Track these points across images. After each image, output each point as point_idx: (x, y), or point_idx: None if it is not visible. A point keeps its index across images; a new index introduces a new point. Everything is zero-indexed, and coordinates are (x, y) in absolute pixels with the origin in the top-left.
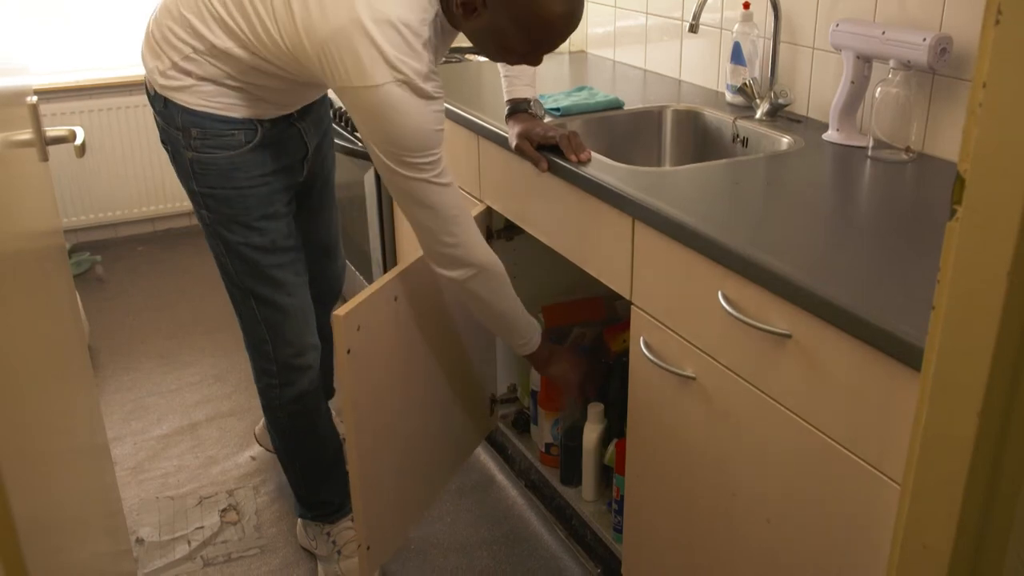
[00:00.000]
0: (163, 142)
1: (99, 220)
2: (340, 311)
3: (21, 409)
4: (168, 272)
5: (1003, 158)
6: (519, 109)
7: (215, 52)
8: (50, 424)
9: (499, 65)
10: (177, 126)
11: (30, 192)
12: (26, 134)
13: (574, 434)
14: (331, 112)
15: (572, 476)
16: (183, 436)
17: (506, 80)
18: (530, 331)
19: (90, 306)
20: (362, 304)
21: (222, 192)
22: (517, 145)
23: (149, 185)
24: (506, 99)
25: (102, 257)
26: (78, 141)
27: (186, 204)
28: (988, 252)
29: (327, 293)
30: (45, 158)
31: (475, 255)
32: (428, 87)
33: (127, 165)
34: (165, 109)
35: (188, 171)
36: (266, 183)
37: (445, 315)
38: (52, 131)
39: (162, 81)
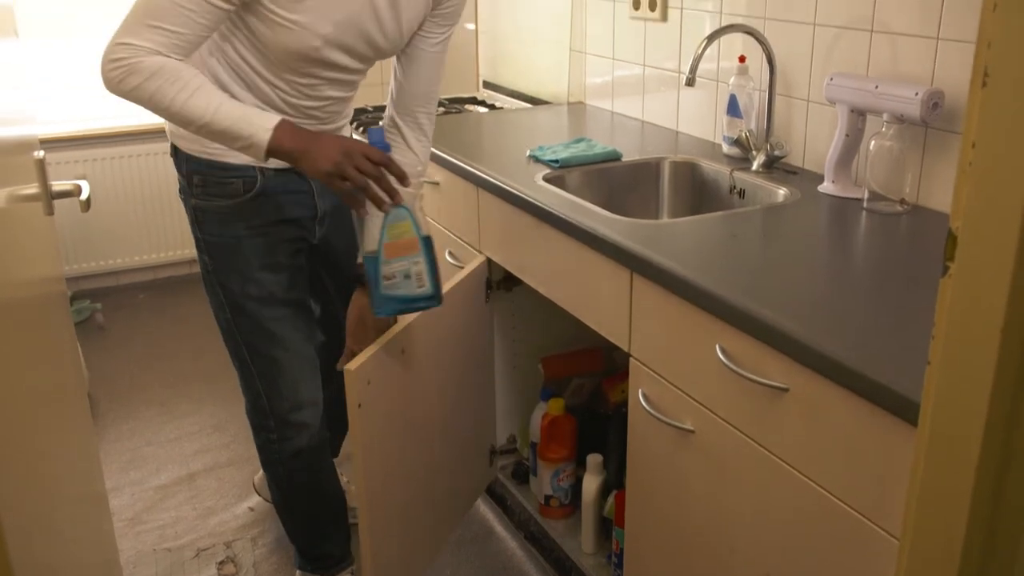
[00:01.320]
0: (179, 192)
1: (100, 268)
2: (351, 365)
3: (21, 457)
4: (169, 320)
5: (994, 216)
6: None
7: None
8: (49, 472)
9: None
10: (183, 173)
11: (33, 241)
12: (32, 188)
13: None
14: None
15: None
16: (181, 487)
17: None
18: (245, 129)
19: (90, 354)
20: (372, 358)
21: (221, 240)
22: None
23: (151, 233)
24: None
25: (102, 305)
26: (83, 196)
27: (187, 252)
28: (981, 308)
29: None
30: (50, 212)
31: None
32: None
33: (129, 213)
34: (175, 157)
35: (192, 218)
36: (265, 234)
37: (448, 367)
38: (58, 185)
39: (170, 127)
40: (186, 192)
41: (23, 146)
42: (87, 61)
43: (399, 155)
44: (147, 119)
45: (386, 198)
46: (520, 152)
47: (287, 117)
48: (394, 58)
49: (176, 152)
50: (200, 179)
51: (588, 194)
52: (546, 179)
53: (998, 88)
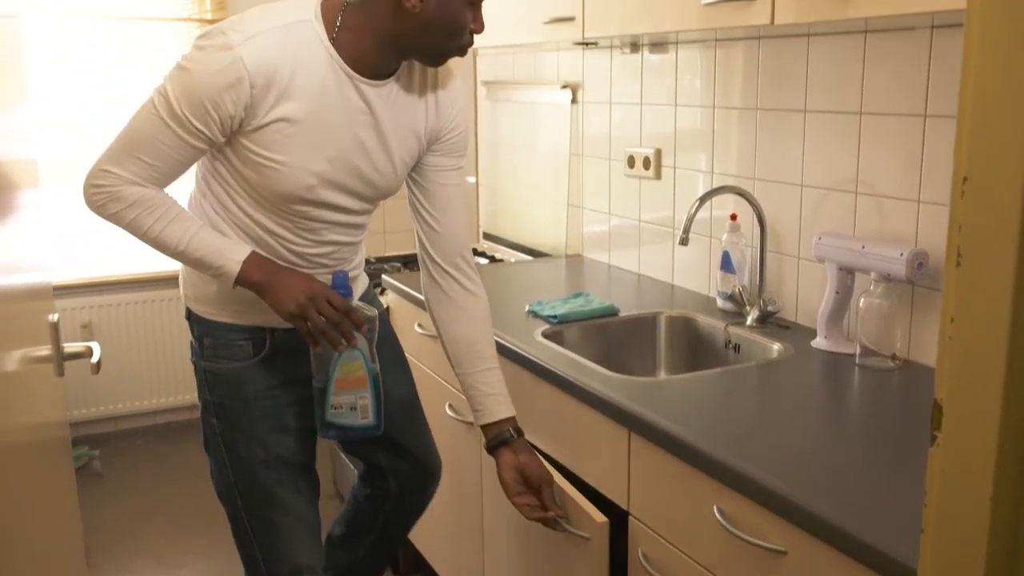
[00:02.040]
0: (190, 355)
1: (100, 413)
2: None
3: None
4: (167, 467)
5: (976, 386)
6: (505, 439)
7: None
8: None
9: (464, 377)
10: (195, 335)
11: (41, 391)
12: (45, 350)
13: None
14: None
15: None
16: None
17: (478, 398)
18: (216, 260)
19: (86, 502)
20: None
21: (230, 403)
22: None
23: (151, 378)
24: (484, 423)
25: (100, 451)
26: (94, 359)
27: (187, 397)
28: (970, 477)
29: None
30: (61, 373)
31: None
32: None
33: (130, 359)
34: (189, 320)
35: (202, 380)
36: (274, 396)
37: None
38: (70, 347)
39: (183, 289)
40: (197, 354)
41: (37, 296)
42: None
43: (468, 304)
44: (149, 267)
45: (342, 342)
46: (519, 306)
47: (296, 267)
48: (414, 212)
49: (189, 315)
50: (210, 341)
51: (586, 349)
52: (545, 335)
53: (971, 267)
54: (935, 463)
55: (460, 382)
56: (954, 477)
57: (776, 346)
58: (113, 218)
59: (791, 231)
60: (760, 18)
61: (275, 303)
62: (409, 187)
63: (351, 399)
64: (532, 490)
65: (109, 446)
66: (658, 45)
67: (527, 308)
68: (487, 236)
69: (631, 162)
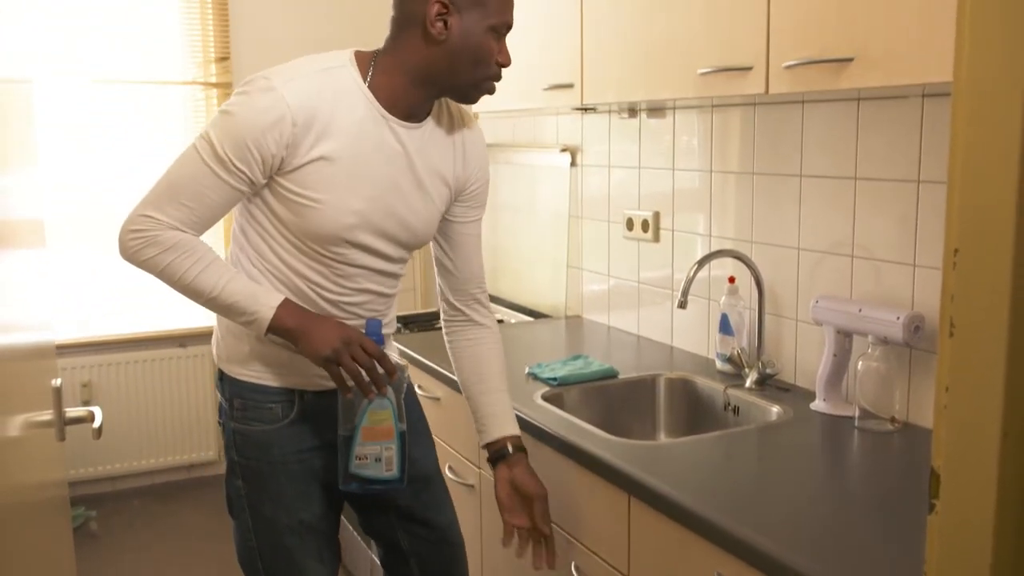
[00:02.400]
0: (218, 416)
1: (96, 473)
2: None
3: None
4: (163, 528)
5: (972, 455)
6: (502, 455)
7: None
8: None
9: (469, 401)
10: (225, 396)
11: (41, 454)
12: (47, 415)
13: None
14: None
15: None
16: None
17: (481, 419)
18: (251, 306)
19: (81, 565)
20: None
21: (257, 465)
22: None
23: (150, 438)
24: (485, 443)
25: (97, 512)
26: (96, 424)
27: (185, 457)
28: (969, 546)
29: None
30: (62, 439)
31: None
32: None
33: (128, 419)
34: (220, 382)
35: (230, 441)
36: (301, 460)
37: None
38: (72, 412)
39: (215, 351)
40: (226, 415)
41: (41, 355)
42: (103, 270)
43: (478, 335)
44: (148, 327)
45: (373, 389)
46: (519, 368)
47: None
48: (435, 254)
49: (221, 377)
50: (240, 402)
51: (586, 412)
52: (545, 398)
53: (964, 337)
54: (934, 531)
55: (469, 407)
56: (953, 545)
57: (775, 409)
58: (147, 264)
59: (789, 293)
60: (755, 88)
61: (309, 348)
62: (435, 244)
63: (377, 450)
64: (526, 507)
65: (106, 506)
66: (656, 110)
67: (527, 370)
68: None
69: (630, 224)
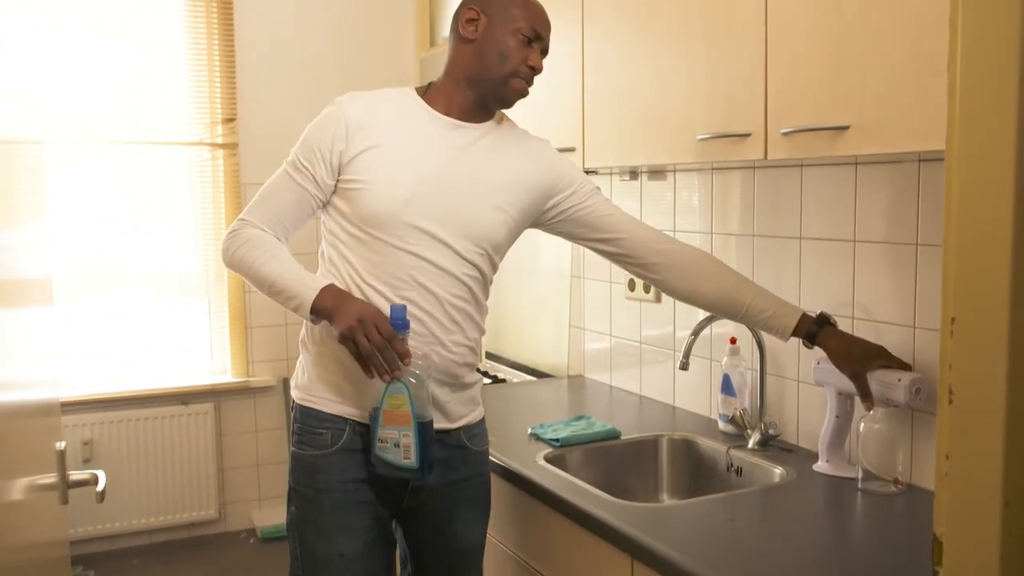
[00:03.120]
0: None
1: (95, 532)
2: None
3: None
4: None
5: (974, 523)
6: (811, 335)
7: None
8: None
9: (743, 320)
10: (293, 419)
11: (43, 515)
12: (50, 478)
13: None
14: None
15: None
16: None
17: (765, 325)
18: (298, 289)
19: None
20: None
21: (304, 491)
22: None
23: (151, 497)
24: (793, 326)
25: (96, 571)
26: (100, 487)
27: (185, 515)
28: None
29: None
30: (65, 502)
31: None
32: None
33: (130, 477)
34: (293, 410)
35: (290, 466)
36: (346, 491)
37: None
38: (75, 475)
39: (293, 381)
40: (290, 440)
41: (45, 412)
42: (107, 327)
43: (691, 260)
44: (150, 384)
45: (386, 369)
46: (522, 429)
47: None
48: (606, 256)
49: (292, 403)
50: (298, 427)
51: (588, 473)
52: (547, 459)
53: (963, 405)
54: None
55: (744, 324)
56: None
57: (778, 470)
58: (230, 259)
59: (790, 354)
60: (754, 153)
61: (336, 323)
62: (584, 243)
63: (395, 435)
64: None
65: (104, 566)
66: (656, 172)
67: (529, 431)
68: (489, 355)
69: (631, 285)
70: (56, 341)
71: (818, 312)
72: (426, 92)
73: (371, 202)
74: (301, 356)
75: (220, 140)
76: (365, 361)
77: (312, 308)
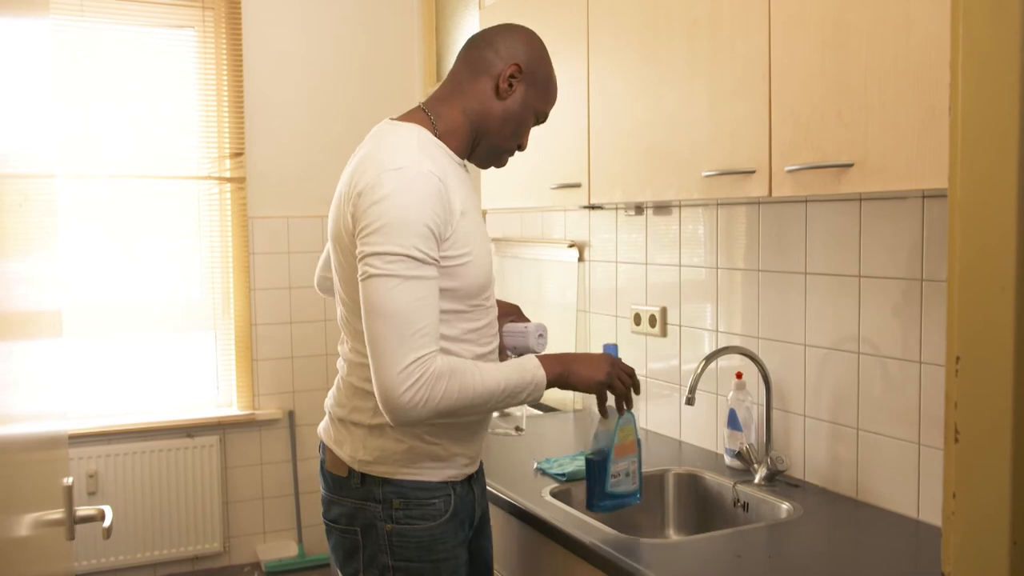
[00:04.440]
0: (347, 524)
1: (100, 566)
2: None
3: None
4: None
5: (981, 562)
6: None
7: None
8: None
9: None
10: (377, 499)
11: (49, 551)
12: (57, 514)
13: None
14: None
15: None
16: None
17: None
18: (527, 376)
19: None
20: None
21: (419, 566)
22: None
23: (155, 529)
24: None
25: None
26: (106, 523)
27: (189, 549)
28: None
29: None
30: (71, 538)
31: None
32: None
33: (135, 509)
34: (362, 486)
35: (385, 544)
36: (456, 556)
37: None
38: (82, 511)
39: (355, 454)
40: (376, 517)
41: (53, 445)
42: (112, 359)
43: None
44: (155, 417)
45: (631, 401)
46: (527, 463)
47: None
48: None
49: (363, 479)
50: (401, 502)
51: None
52: (553, 493)
53: (969, 443)
54: None
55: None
56: None
57: (785, 505)
58: (436, 406)
59: (796, 389)
60: (758, 191)
61: (585, 379)
62: None
63: (626, 465)
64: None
65: None
66: (661, 208)
67: (535, 465)
68: None
69: (637, 319)
70: (65, 374)
71: None
72: (436, 130)
73: (473, 273)
74: (352, 428)
75: (228, 174)
76: (604, 402)
77: (548, 382)
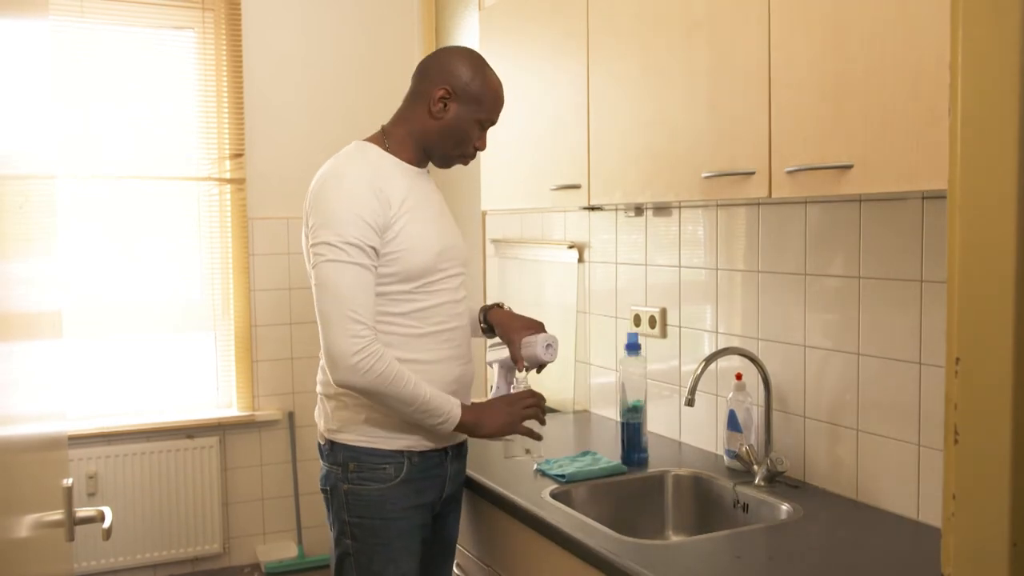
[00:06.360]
0: (323, 486)
1: (100, 567)
2: None
3: None
4: None
5: (981, 563)
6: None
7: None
8: None
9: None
10: (338, 461)
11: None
12: (57, 515)
13: None
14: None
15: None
16: None
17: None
18: (446, 406)
19: None
20: None
21: (370, 523)
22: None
23: (155, 531)
24: (478, 310)
25: None
26: (106, 524)
27: (189, 550)
28: None
29: None
30: (71, 539)
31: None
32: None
33: (134, 511)
34: (330, 450)
35: (342, 502)
36: (407, 517)
37: None
38: (82, 512)
39: (325, 424)
40: (338, 478)
41: (53, 446)
42: (111, 360)
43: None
44: (155, 418)
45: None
46: (527, 465)
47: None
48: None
49: (331, 446)
50: (355, 465)
51: (594, 509)
52: (553, 495)
53: (968, 445)
54: None
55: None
56: None
57: (785, 506)
58: (376, 379)
59: (796, 390)
60: (758, 192)
61: (496, 429)
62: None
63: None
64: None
65: None
66: (661, 209)
67: (535, 466)
68: None
69: (637, 320)
70: (65, 374)
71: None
72: (387, 144)
73: (412, 258)
74: (325, 403)
75: (228, 175)
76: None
77: (459, 426)
